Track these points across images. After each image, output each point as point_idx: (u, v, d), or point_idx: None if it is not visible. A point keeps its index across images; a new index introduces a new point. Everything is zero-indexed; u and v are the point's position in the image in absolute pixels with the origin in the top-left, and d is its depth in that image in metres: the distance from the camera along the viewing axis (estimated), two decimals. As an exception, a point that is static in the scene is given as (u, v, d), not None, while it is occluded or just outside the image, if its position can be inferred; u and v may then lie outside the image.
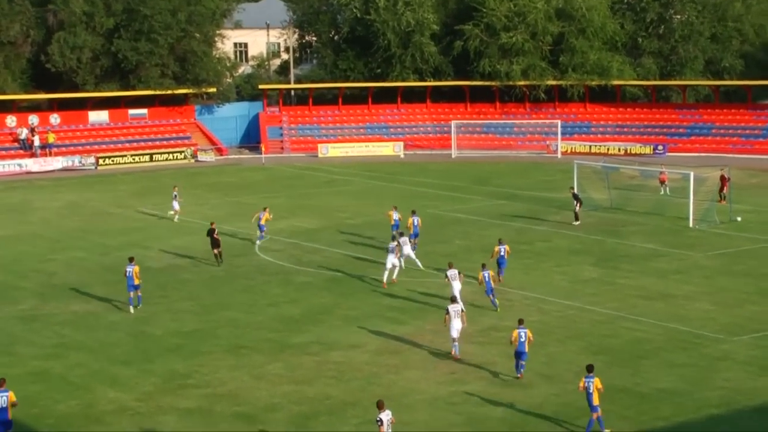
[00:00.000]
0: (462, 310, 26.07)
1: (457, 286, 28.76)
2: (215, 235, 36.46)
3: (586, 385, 21.02)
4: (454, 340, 25.76)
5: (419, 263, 34.96)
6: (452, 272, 29.01)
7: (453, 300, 27.08)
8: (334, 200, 51.77)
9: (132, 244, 40.67)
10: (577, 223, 43.64)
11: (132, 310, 30.55)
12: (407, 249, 34.49)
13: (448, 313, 25.73)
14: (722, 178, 48.13)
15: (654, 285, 32.97)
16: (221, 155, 72.52)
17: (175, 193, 46.80)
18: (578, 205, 43.91)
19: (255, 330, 28.77)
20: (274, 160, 69.90)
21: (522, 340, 24.13)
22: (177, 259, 38.12)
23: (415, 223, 37.77)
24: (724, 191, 47.96)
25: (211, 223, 37.56)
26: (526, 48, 73.93)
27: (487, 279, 29.49)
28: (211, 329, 28.93)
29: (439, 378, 24.64)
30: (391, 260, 32.93)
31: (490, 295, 29.77)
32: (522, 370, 24.25)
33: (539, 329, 27.62)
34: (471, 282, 31.43)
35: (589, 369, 21.31)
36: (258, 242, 39.75)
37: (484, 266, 29.98)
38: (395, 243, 33.46)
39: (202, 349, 27.15)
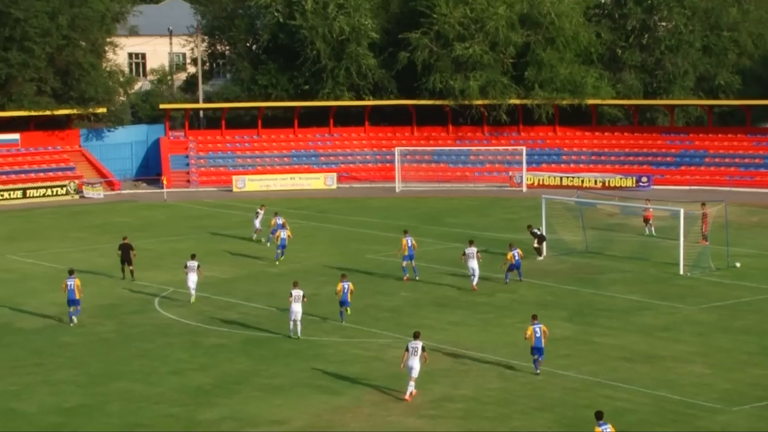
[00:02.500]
0: (423, 349, 28.50)
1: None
2: (131, 251, 42.30)
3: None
4: (411, 379, 28.22)
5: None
6: (471, 249, 34.39)
7: (416, 336, 29.03)
8: (253, 244, 51.69)
9: None
10: (542, 258, 44.88)
11: (74, 321, 35.94)
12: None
13: (407, 350, 28.39)
14: (703, 215, 49.05)
15: (638, 344, 33.47)
16: (113, 190, 72.01)
17: (259, 211, 51.54)
18: (540, 243, 46.08)
19: (154, 404, 28.47)
20: (178, 196, 69.57)
21: (538, 335, 29.70)
22: (56, 318, 37.62)
23: (410, 244, 42.60)
24: (706, 229, 48.87)
25: (124, 238, 42.58)
26: (484, 61, 75.14)
27: (516, 257, 38.20)
28: (99, 404, 28.55)
29: (380, 460, 24.64)
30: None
31: (516, 270, 38.50)
32: (539, 366, 30.02)
33: (500, 399, 27.86)
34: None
35: (599, 417, 22.48)
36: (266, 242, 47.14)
37: (512, 245, 38.75)
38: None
39: (88, 429, 26.79)
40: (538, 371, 29.96)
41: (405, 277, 42.72)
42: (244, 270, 45.39)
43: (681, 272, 43.50)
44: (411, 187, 71.56)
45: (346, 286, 35.88)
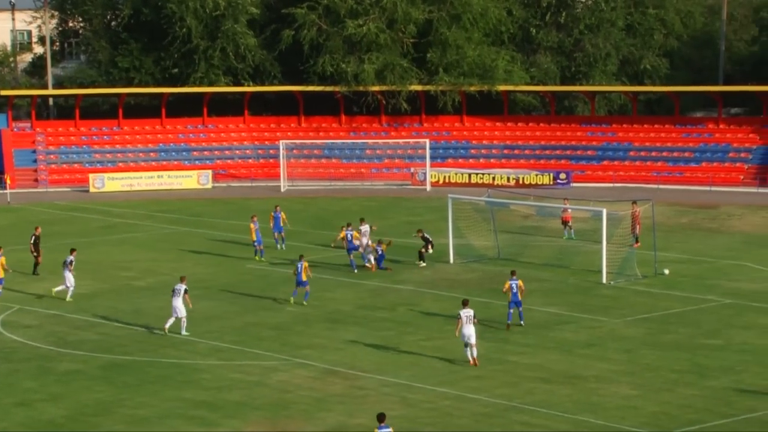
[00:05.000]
0: (475, 316, 33.35)
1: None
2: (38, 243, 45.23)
3: None
4: (471, 345, 32.79)
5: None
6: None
7: (464, 303, 33.61)
8: (114, 253, 51.04)
9: None
10: (423, 264, 46.27)
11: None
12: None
13: (459, 318, 33.17)
14: (634, 215, 50.12)
15: (557, 363, 33.96)
16: (-55, 191, 70.39)
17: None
18: (429, 247, 47.41)
19: (-3, 442, 27.97)
20: (24, 197, 68.30)
21: (514, 291, 37.01)
22: None
23: (350, 238, 46.91)
24: (638, 230, 49.97)
25: (36, 228, 45.97)
26: (381, 41, 75.48)
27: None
28: (-69, 444, 27.92)
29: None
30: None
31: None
32: (523, 318, 37.27)
33: (403, 428, 27.97)
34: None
35: (380, 419, 24.51)
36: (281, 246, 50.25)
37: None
38: None
39: None
40: (522, 322, 37.20)
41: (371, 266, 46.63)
42: (105, 284, 44.77)
43: (604, 281, 44.25)
44: (298, 186, 71.46)
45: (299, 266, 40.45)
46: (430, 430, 28.43)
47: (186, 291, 37.07)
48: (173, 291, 37.17)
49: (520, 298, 37.33)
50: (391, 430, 24.28)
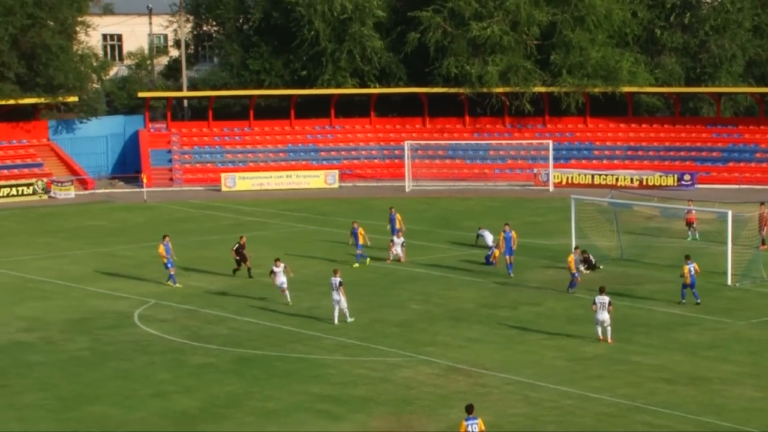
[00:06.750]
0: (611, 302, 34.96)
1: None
2: (243, 251, 44.83)
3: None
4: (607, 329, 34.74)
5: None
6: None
7: (601, 290, 35.29)
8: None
9: (-41, 314, 40.25)
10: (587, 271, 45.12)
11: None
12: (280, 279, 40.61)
13: (594, 304, 34.94)
14: (761, 217, 49.17)
15: (681, 364, 33.50)
16: (85, 189, 72.23)
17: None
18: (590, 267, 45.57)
19: (134, 431, 28.60)
20: (160, 196, 69.71)
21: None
22: (22, 334, 37.74)
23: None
24: (764, 232, 49.02)
25: (241, 237, 45.99)
26: (505, 43, 75.24)
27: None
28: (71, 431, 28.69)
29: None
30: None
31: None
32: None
33: (525, 426, 27.88)
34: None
35: (469, 410, 24.79)
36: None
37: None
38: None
39: (59, 458, 26.93)
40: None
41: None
42: (235, 280, 45.46)
43: (729, 282, 43.51)
44: (422, 186, 71.62)
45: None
46: (553, 428, 28.28)
47: (341, 283, 37.74)
48: (331, 284, 38.00)
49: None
50: (479, 421, 24.43)
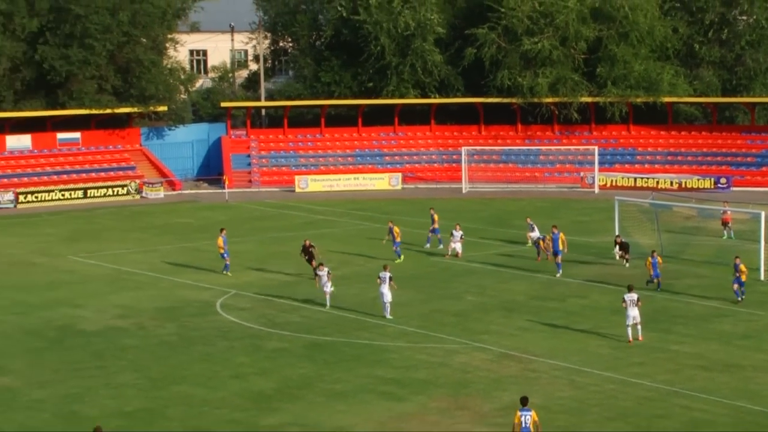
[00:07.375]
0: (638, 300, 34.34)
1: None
2: (311, 250, 43.74)
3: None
4: (637, 324, 33.96)
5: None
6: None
7: (629, 289, 34.56)
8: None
9: (60, 302, 40.77)
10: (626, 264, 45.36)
11: None
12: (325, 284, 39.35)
13: (624, 301, 34.15)
14: None
15: (716, 353, 33.16)
16: (174, 190, 72.89)
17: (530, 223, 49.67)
18: (625, 255, 45.62)
19: (215, 409, 28.83)
20: (240, 196, 70.21)
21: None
22: (117, 320, 38.23)
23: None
24: None
25: (305, 240, 44.73)
26: (554, 57, 74.79)
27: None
28: (160, 408, 28.99)
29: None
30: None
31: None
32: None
33: (571, 408, 27.74)
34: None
35: (523, 402, 24.41)
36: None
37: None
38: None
39: (149, 433, 27.23)
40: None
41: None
42: (307, 272, 45.70)
43: (762, 278, 42.98)
44: (478, 188, 71.45)
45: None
46: (597, 411, 28.13)
47: (391, 278, 37.50)
48: (379, 278, 37.64)
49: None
50: (532, 413, 24.08)
